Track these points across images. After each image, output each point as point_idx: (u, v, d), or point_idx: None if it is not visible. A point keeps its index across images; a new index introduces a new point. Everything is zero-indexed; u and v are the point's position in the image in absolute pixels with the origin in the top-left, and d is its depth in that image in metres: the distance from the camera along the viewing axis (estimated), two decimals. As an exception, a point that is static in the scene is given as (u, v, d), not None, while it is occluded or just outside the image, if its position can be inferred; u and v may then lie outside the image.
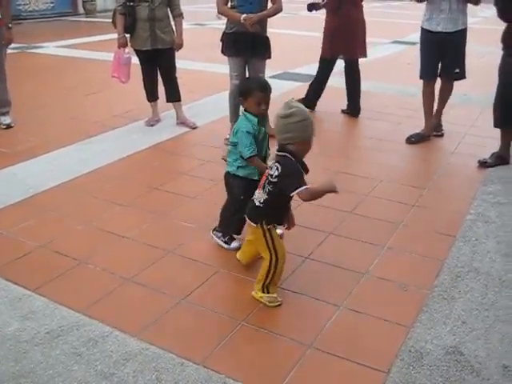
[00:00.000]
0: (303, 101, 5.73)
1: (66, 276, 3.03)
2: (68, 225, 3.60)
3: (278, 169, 2.60)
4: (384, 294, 2.89)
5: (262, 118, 3.14)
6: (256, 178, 3.06)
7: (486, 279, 3.04)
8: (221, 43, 5.07)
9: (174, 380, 2.27)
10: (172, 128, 5.69)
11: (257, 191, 2.77)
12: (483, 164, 4.70)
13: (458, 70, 5.13)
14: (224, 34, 5.02)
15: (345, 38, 5.85)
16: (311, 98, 6.21)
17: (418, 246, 3.37)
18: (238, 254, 3.09)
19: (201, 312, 2.72)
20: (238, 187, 3.15)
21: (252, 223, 2.76)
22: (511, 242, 3.43)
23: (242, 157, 3.06)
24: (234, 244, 3.29)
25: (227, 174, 3.23)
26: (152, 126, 5.75)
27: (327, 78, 6.25)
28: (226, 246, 3.31)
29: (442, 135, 5.45)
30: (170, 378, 2.28)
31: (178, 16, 5.47)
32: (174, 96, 5.69)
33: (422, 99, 5.38)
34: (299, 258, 3.20)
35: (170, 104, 5.77)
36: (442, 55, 5.07)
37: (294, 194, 2.57)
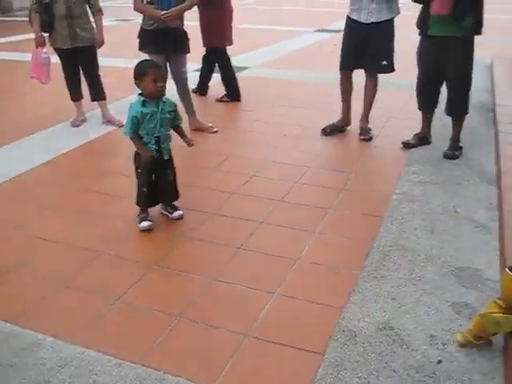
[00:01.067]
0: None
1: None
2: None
3: None
4: (316, 278, 2.96)
5: (162, 95, 3.36)
6: (154, 155, 3.36)
7: (412, 256, 3.16)
8: (138, 40, 5.00)
9: (111, 381, 2.26)
10: (98, 127, 5.59)
11: None
12: (406, 145, 4.87)
13: (385, 62, 4.94)
14: (142, 30, 4.95)
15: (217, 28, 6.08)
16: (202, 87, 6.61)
17: (348, 229, 3.47)
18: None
19: (136, 311, 2.70)
20: (136, 161, 3.44)
21: None
22: (435, 219, 3.58)
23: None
24: (143, 224, 3.44)
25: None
26: (78, 126, 5.62)
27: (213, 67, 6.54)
28: (138, 225, 3.45)
29: (370, 139, 5.11)
30: (107, 380, 2.26)
31: (97, 12, 5.36)
32: (98, 95, 5.59)
33: (341, 91, 5.28)
34: (232, 249, 3.23)
35: (95, 103, 5.65)
36: (368, 46, 4.86)
37: None
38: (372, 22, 4.81)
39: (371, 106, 5.23)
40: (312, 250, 3.23)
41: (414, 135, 4.95)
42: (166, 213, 3.62)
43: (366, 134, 5.14)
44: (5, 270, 3.07)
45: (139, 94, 3.34)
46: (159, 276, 3.01)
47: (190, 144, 3.58)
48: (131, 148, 3.49)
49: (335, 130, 5.30)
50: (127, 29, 12.41)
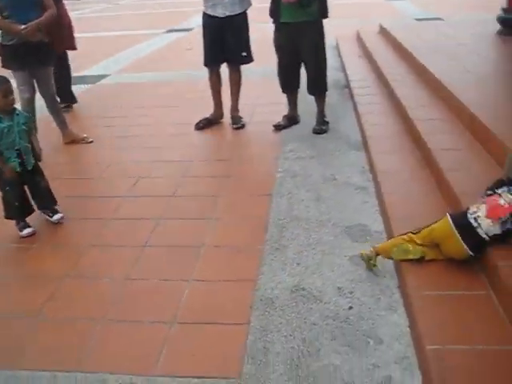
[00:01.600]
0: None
1: None
2: None
3: None
4: (224, 259, 3.12)
5: (14, 108, 3.40)
6: (17, 169, 3.40)
7: (306, 223, 3.43)
8: (0, 57, 4.80)
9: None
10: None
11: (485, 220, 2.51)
12: (278, 127, 5.18)
13: (245, 54, 5.16)
14: (2, 46, 4.74)
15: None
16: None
17: (242, 211, 3.67)
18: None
19: (59, 324, 2.68)
20: (1, 179, 3.45)
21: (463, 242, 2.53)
22: (318, 189, 3.89)
23: None
24: (25, 231, 3.50)
25: None
26: None
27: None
28: (20, 233, 3.50)
29: (242, 127, 5.31)
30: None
31: None
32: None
33: (210, 86, 5.41)
34: (137, 249, 3.28)
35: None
36: (226, 40, 5.06)
37: None
38: (227, 16, 4.99)
39: (238, 95, 5.43)
40: (213, 235, 3.38)
41: (283, 117, 5.27)
42: (47, 216, 3.65)
43: (238, 123, 5.34)
44: None
45: None
46: (73, 286, 2.99)
47: (38, 158, 3.58)
48: None
49: (208, 124, 5.43)
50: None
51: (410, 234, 2.73)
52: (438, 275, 2.60)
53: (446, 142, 3.77)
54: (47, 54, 4.84)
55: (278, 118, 5.28)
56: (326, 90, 5.05)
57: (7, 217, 3.54)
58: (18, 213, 3.53)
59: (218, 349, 2.43)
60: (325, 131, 5.00)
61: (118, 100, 6.72)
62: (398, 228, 2.95)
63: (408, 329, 2.46)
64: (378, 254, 2.82)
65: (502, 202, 2.53)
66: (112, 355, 2.45)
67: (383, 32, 8.31)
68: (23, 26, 4.48)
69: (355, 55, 7.73)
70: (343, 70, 7.09)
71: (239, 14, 5.04)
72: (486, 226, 2.48)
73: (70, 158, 5.00)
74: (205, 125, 5.41)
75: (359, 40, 8.61)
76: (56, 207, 3.68)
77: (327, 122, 5.12)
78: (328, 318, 2.57)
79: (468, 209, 2.59)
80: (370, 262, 2.84)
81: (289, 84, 5.10)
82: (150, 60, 9.53)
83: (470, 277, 2.57)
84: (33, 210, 3.62)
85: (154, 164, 4.60)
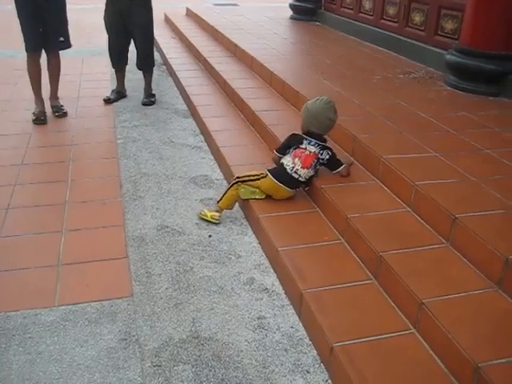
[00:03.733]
0: None
1: None
2: None
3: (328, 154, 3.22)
4: (90, 212, 3.45)
5: None
6: None
7: (155, 178, 3.91)
8: None
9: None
10: None
11: (303, 170, 3.18)
12: (108, 101, 5.49)
13: (62, 39, 4.86)
14: None
15: None
16: None
17: (94, 172, 4.00)
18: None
19: None
20: None
21: (290, 189, 3.23)
22: (159, 150, 4.38)
23: None
24: None
25: None
26: None
27: None
28: None
29: (64, 114, 5.12)
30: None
31: None
32: None
33: (29, 74, 4.97)
34: (1, 211, 3.44)
35: None
36: (44, 23, 4.70)
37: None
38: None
39: (58, 85, 5.19)
40: (74, 194, 3.67)
41: (112, 91, 5.60)
42: None
43: (59, 111, 5.11)
44: None
45: None
46: None
47: None
48: None
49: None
50: None
51: (238, 182, 3.29)
52: (276, 204, 3.28)
53: (265, 105, 4.52)
54: None
55: (107, 93, 5.59)
56: (153, 65, 5.50)
57: None
58: None
59: (106, 278, 2.82)
60: (153, 103, 5.46)
61: None
62: (237, 172, 3.58)
63: (258, 245, 3.11)
64: (221, 210, 3.35)
65: (307, 152, 3.22)
66: (9, 297, 2.67)
67: (191, 14, 8.93)
68: None
69: (167, 36, 8.22)
70: (158, 49, 7.54)
71: None
72: (305, 174, 3.21)
73: None
74: (42, 121, 4.94)
75: (168, 21, 9.11)
76: None
77: (154, 95, 5.58)
78: (193, 245, 3.11)
79: (283, 164, 3.24)
80: (213, 219, 3.34)
81: (118, 60, 5.42)
82: None
83: (302, 201, 3.30)
84: None
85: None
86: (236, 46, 6.16)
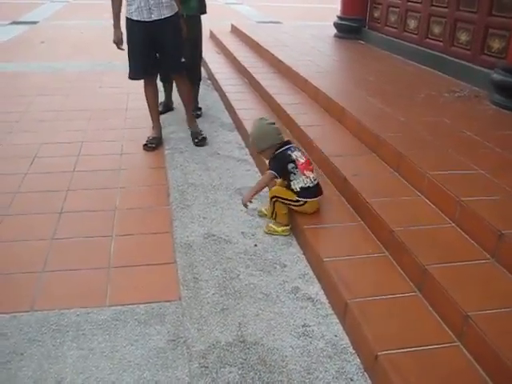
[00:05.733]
0: None
1: None
2: None
3: None
4: (139, 217, 3.58)
5: None
6: None
7: (202, 188, 4.01)
8: None
9: (17, 329, 2.55)
10: None
11: (313, 174, 3.30)
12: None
13: (183, 60, 4.65)
14: None
15: None
16: None
17: (143, 181, 4.15)
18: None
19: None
20: None
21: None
22: (206, 161, 4.49)
23: None
24: None
25: None
26: None
27: None
28: None
29: (204, 140, 4.90)
30: (12, 330, 2.53)
31: None
32: None
33: (146, 100, 4.87)
34: (54, 215, 3.59)
35: None
36: (162, 48, 4.51)
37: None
38: (162, 19, 4.42)
39: (191, 107, 5.07)
40: (123, 200, 3.81)
41: (160, 103, 5.73)
42: None
43: (198, 137, 4.87)
44: None
45: None
46: (2, 249, 3.24)
47: None
48: None
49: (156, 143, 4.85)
50: None
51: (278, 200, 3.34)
52: (320, 216, 3.33)
53: (310, 120, 4.60)
54: None
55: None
56: (200, 79, 5.65)
57: None
58: None
59: (155, 282, 2.93)
60: (200, 116, 5.60)
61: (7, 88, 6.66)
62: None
63: (303, 255, 3.17)
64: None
65: (303, 160, 3.28)
66: (62, 296, 2.80)
67: (235, 30, 9.12)
68: None
69: (213, 51, 8.41)
70: (204, 64, 7.71)
71: (173, 15, 4.51)
72: (316, 176, 3.32)
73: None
74: (158, 144, 4.83)
75: (213, 38, 9.32)
76: None
77: (200, 108, 5.72)
78: (239, 253, 3.19)
79: (303, 185, 3.23)
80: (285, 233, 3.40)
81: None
82: (3, 51, 9.33)
83: (346, 214, 3.35)
84: None
85: (46, 146, 4.82)
86: (280, 61, 6.28)
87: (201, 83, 5.88)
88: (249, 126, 4.76)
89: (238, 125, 5.17)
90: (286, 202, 3.29)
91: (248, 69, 6.54)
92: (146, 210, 3.69)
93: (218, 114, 5.73)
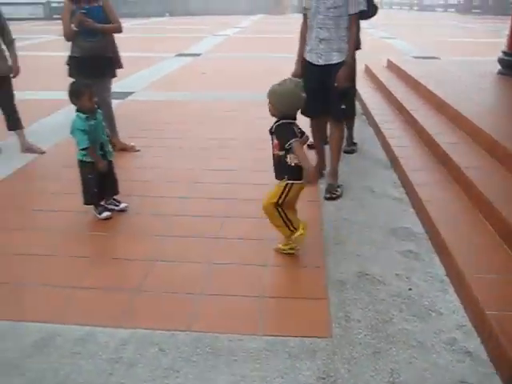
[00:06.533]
0: None
1: (10, 298, 3.15)
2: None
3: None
4: (296, 253, 3.61)
5: (95, 110, 3.95)
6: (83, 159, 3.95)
7: (356, 225, 3.99)
8: (67, 66, 5.33)
9: (174, 347, 2.70)
10: (19, 156, 5.70)
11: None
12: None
13: (343, 106, 4.47)
14: (69, 57, 5.29)
15: None
16: None
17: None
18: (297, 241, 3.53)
19: (161, 297, 3.15)
20: (80, 167, 4.01)
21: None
22: (360, 198, 4.46)
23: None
24: (105, 214, 4.07)
25: (78, 161, 4.00)
26: (-5, 156, 5.67)
27: None
28: (99, 215, 4.06)
29: (335, 197, 4.52)
30: (170, 347, 2.71)
31: (11, 43, 5.52)
32: (15, 124, 5.72)
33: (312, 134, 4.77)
34: (212, 240, 3.77)
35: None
36: (327, 90, 4.38)
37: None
38: (330, 64, 4.35)
39: (338, 157, 4.69)
40: (276, 232, 3.86)
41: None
42: (113, 206, 4.20)
43: (332, 193, 4.52)
44: (10, 285, 3.28)
45: (77, 111, 3.90)
46: (163, 267, 3.46)
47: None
48: (61, 171, 4.04)
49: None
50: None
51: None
52: (486, 262, 3.15)
53: (470, 162, 4.39)
54: (107, 67, 5.38)
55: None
56: (355, 114, 5.65)
57: (87, 203, 4.06)
58: (97, 198, 4.08)
59: (306, 316, 2.94)
60: (354, 151, 5.59)
61: (149, 115, 7.24)
62: (441, 228, 3.51)
63: (460, 305, 3.00)
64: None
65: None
66: (216, 320, 2.91)
67: (391, 66, 9.03)
68: (82, 12, 5.03)
69: (368, 87, 8.40)
70: (358, 99, 7.73)
71: (337, 63, 4.34)
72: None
73: (125, 163, 5.46)
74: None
75: (368, 72, 9.32)
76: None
77: (356, 144, 5.72)
78: (393, 296, 3.10)
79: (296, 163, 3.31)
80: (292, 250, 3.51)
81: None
82: (167, 81, 10.10)
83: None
84: (102, 199, 4.17)
85: (204, 172, 5.10)
86: (439, 99, 6.08)
87: (356, 118, 5.88)
88: (405, 164, 4.69)
89: (394, 162, 5.09)
90: (280, 200, 3.38)
91: (404, 105, 6.43)
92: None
93: (373, 150, 5.68)
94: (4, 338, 2.78)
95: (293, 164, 3.32)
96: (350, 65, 4.38)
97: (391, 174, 5.01)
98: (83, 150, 3.90)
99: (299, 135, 3.34)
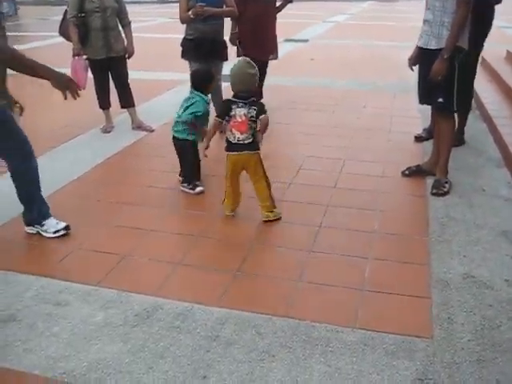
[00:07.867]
0: None
1: (119, 269, 3.31)
2: (89, 228, 3.82)
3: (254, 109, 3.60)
4: (396, 244, 3.54)
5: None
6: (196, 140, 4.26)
7: (464, 224, 3.80)
8: (181, 48, 5.47)
9: (271, 331, 2.72)
10: (130, 133, 5.95)
11: (243, 135, 3.62)
12: (419, 138, 5.54)
13: (441, 100, 4.10)
14: (184, 39, 5.43)
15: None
16: None
17: (403, 207, 4.09)
18: (228, 211, 3.88)
19: (259, 280, 3.20)
20: (191, 147, 4.26)
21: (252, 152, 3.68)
22: (469, 196, 4.24)
23: (191, 125, 4.18)
24: (198, 189, 4.28)
25: (179, 140, 4.27)
26: (109, 132, 5.97)
27: None
28: (192, 191, 4.27)
29: (443, 194, 4.27)
30: (267, 330, 2.72)
31: (128, 25, 5.77)
32: (128, 102, 5.98)
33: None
34: (314, 228, 3.76)
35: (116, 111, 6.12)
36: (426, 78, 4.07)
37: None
38: (429, 49, 4.07)
39: (445, 148, 4.36)
40: (382, 224, 3.80)
41: (424, 129, 5.62)
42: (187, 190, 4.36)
43: (439, 188, 4.28)
44: (119, 256, 3.43)
45: (202, 95, 4.19)
46: (262, 251, 3.51)
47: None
48: (168, 149, 4.33)
49: (418, 172, 4.64)
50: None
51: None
52: None
53: None
54: (220, 50, 5.46)
55: (415, 130, 5.66)
56: (470, 108, 5.38)
57: (189, 180, 4.32)
58: (196, 174, 4.34)
59: (406, 314, 2.85)
60: (461, 144, 5.30)
61: (277, 100, 7.21)
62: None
63: None
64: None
65: (239, 120, 3.57)
66: (314, 308, 2.90)
67: (511, 58, 8.49)
68: (192, 10, 5.11)
69: (483, 79, 7.95)
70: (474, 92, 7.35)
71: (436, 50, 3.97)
72: (247, 138, 3.61)
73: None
74: (413, 172, 4.62)
75: (484, 64, 8.81)
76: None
77: (464, 139, 5.44)
78: (502, 302, 2.94)
79: (228, 138, 3.65)
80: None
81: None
82: (275, 66, 10.09)
83: None
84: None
85: (310, 159, 5.07)
86: None
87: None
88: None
89: (509, 161, 4.79)
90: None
91: (525, 101, 6.03)
92: (404, 237, 3.64)
93: (485, 147, 5.38)
94: (110, 306, 2.93)
95: (225, 142, 3.72)
96: (443, 60, 3.89)
97: (505, 173, 4.73)
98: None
99: (225, 116, 3.64)
